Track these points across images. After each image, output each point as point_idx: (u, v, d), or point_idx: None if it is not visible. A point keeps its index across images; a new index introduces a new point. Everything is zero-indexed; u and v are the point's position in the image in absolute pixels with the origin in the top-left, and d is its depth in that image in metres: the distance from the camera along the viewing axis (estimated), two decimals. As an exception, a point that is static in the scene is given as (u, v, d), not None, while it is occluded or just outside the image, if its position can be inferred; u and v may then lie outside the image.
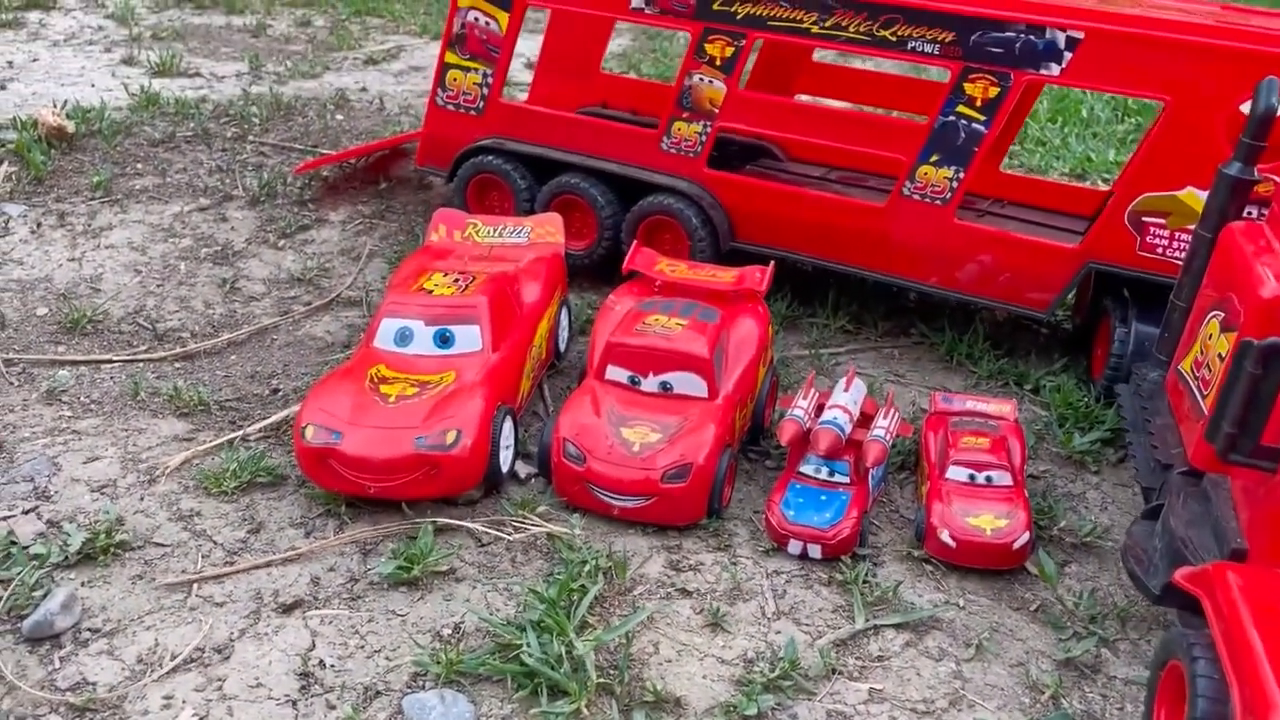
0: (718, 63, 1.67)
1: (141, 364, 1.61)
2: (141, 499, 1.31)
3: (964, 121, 1.55)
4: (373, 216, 2.10)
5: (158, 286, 1.82)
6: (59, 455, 1.38)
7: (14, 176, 2.10)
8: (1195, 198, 1.46)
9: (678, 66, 1.78)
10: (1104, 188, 1.89)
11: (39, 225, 1.96)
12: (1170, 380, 1.34)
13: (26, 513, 1.27)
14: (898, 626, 1.18)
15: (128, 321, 1.72)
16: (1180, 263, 1.43)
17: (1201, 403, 1.21)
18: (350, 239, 2.01)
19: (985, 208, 1.79)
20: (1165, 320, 1.37)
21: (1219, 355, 1.19)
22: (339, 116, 2.59)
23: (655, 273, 1.55)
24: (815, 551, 1.27)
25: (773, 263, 1.55)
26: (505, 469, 1.36)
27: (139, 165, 2.22)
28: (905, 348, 1.77)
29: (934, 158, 1.58)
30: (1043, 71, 1.50)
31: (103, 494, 1.31)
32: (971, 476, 1.32)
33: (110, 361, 1.61)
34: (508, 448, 1.37)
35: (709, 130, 1.72)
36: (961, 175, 1.58)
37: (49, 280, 1.81)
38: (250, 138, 2.39)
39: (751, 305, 1.51)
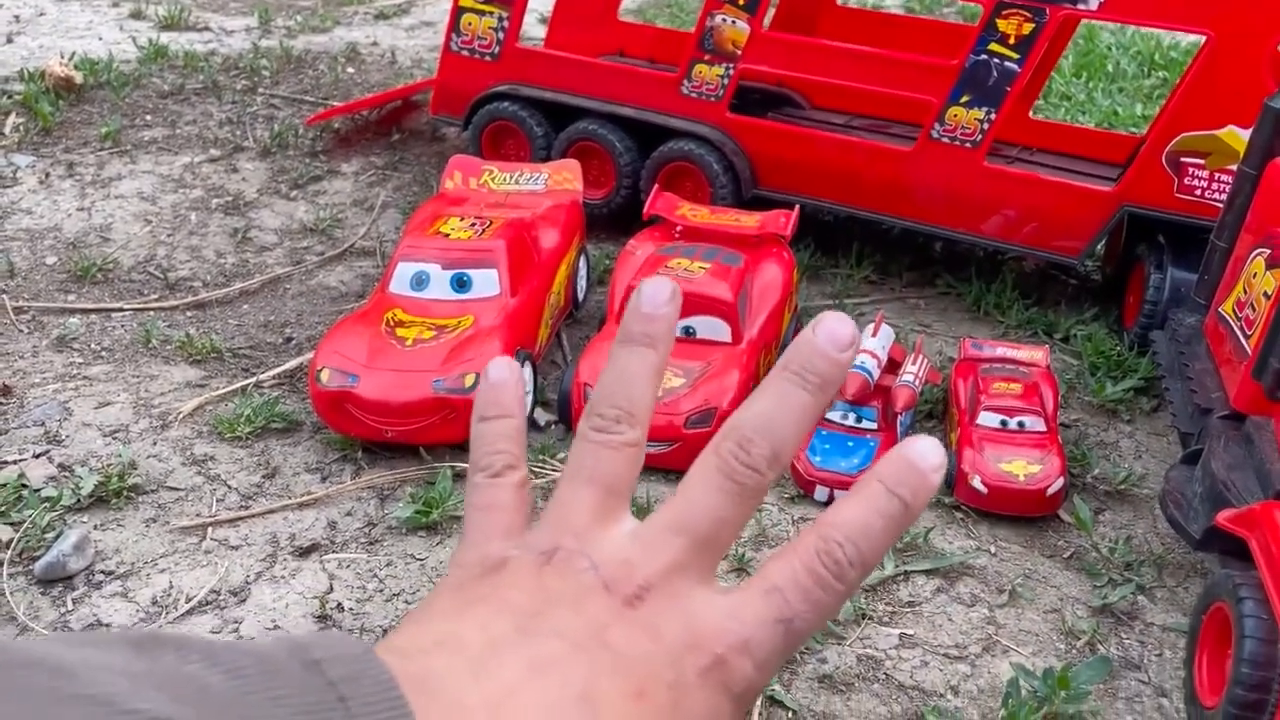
0: (741, 2, 1.62)
1: (153, 312, 1.58)
2: (154, 443, 1.28)
3: (996, 60, 1.50)
4: (385, 168, 2.06)
5: (168, 236, 1.79)
6: (70, 400, 1.35)
7: (22, 128, 2.07)
8: (1236, 136, 1.41)
9: (695, 19, 1.74)
10: (1138, 133, 1.83)
11: (47, 175, 1.93)
12: (1210, 324, 1.30)
13: (37, 456, 1.24)
14: (928, 573, 1.15)
15: (138, 270, 1.69)
16: (1220, 204, 1.38)
17: (1245, 344, 1.17)
18: (363, 190, 1.98)
19: (1015, 155, 1.74)
20: (1205, 262, 1.32)
21: (1264, 294, 1.15)
22: (350, 70, 2.54)
23: (677, 217, 1.51)
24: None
25: (797, 207, 1.51)
26: (528, 415, 1.33)
27: (148, 117, 2.18)
28: (931, 298, 1.73)
29: (964, 98, 1.54)
30: (1080, 6, 1.45)
31: (115, 438, 1.29)
32: (1003, 422, 1.28)
33: (121, 310, 1.58)
34: (527, 393, 1.34)
35: (731, 73, 1.67)
36: (993, 117, 1.53)
37: (58, 230, 1.79)
38: (260, 90, 2.35)
39: (776, 250, 1.47)
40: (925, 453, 0.33)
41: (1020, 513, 1.22)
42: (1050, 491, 1.21)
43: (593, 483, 0.35)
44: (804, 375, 0.33)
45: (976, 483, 1.22)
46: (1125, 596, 1.12)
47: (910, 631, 1.07)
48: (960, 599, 1.12)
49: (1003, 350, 1.41)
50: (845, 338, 0.33)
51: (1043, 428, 1.28)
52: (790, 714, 0.97)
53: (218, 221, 1.84)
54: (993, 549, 1.19)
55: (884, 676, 1.02)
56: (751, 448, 0.33)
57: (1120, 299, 1.65)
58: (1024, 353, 1.40)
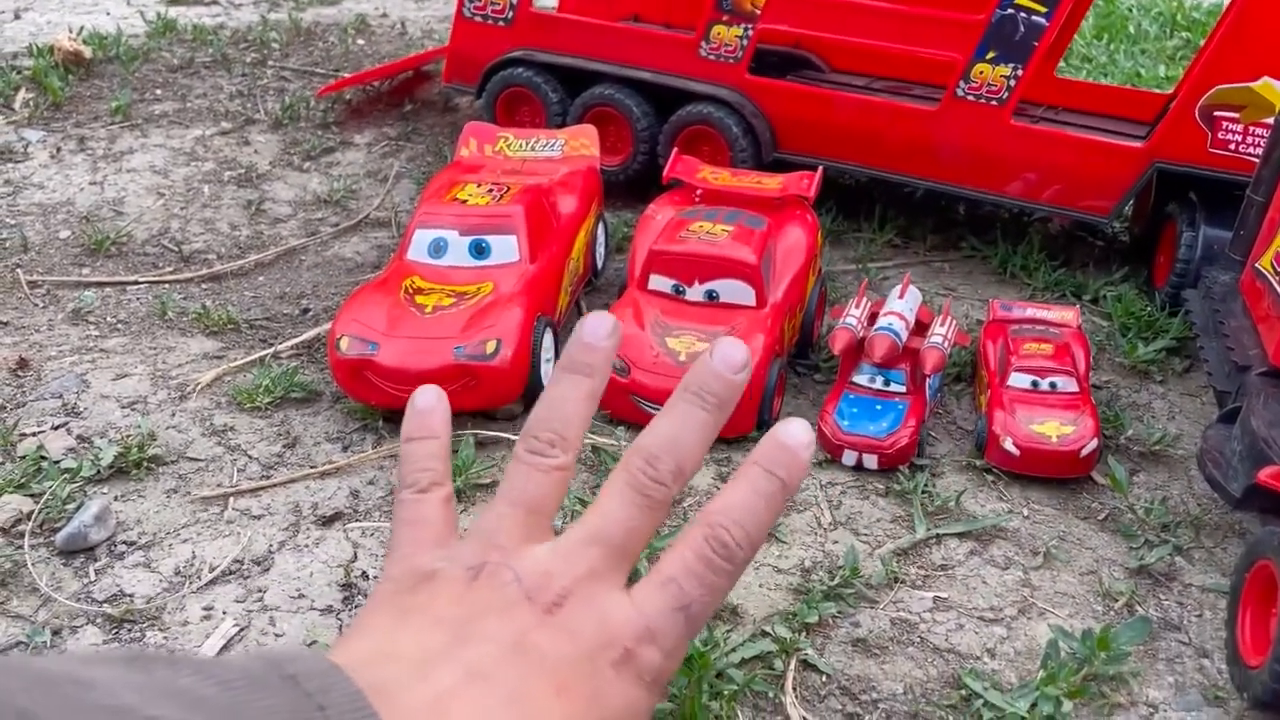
0: (759, -40, 1.59)
1: (168, 285, 1.57)
2: (173, 415, 1.27)
3: (1023, 14, 1.46)
4: (399, 138, 2.03)
5: (181, 209, 1.77)
6: (87, 373, 1.34)
7: (32, 103, 2.05)
8: (1272, 88, 1.37)
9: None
10: (1165, 91, 1.79)
11: (59, 150, 1.92)
12: (1246, 280, 1.26)
13: (56, 428, 1.23)
14: (960, 536, 1.13)
15: (152, 244, 1.68)
16: (1256, 158, 1.35)
17: (1286, 298, 1.14)
18: (376, 161, 1.95)
19: (1040, 114, 1.70)
20: (1241, 217, 1.29)
21: (1306, 247, 1.12)
22: (360, 41, 2.51)
23: (697, 181, 1.48)
24: (871, 462, 1.21)
25: (820, 168, 1.48)
26: (546, 382, 1.31)
27: (158, 91, 2.16)
28: (956, 261, 1.70)
29: (990, 54, 1.50)
30: (1109, -42, 1.41)
31: (133, 410, 1.27)
32: (1034, 383, 1.25)
33: (136, 283, 1.57)
34: (548, 360, 1.32)
35: (750, 34, 1.64)
36: (1020, 73, 1.49)
37: (70, 204, 1.77)
38: (270, 63, 2.32)
39: (799, 212, 1.44)
40: (796, 434, 0.38)
41: (1053, 474, 1.20)
42: (1084, 453, 1.19)
43: (519, 505, 0.38)
44: (702, 396, 0.38)
45: (1008, 445, 1.19)
46: (1162, 557, 1.10)
47: (944, 594, 1.06)
48: (994, 562, 1.10)
49: (1033, 311, 1.38)
50: (738, 361, 0.38)
51: (1075, 388, 1.25)
52: (824, 678, 0.96)
53: (231, 194, 1.82)
54: (1025, 511, 1.17)
55: (918, 640, 1.00)
56: (658, 464, 0.37)
57: (1150, 259, 1.62)
58: (1054, 313, 1.37)
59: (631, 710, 0.36)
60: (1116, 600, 1.06)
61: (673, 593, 0.38)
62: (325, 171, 1.91)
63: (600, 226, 1.60)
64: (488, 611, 0.36)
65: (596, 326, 0.40)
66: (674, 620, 0.38)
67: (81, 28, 2.33)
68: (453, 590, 0.36)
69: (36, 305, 1.50)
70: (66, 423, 1.24)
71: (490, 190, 1.43)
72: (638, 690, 0.36)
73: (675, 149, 1.55)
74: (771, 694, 0.93)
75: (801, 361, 1.42)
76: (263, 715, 0.28)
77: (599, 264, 1.59)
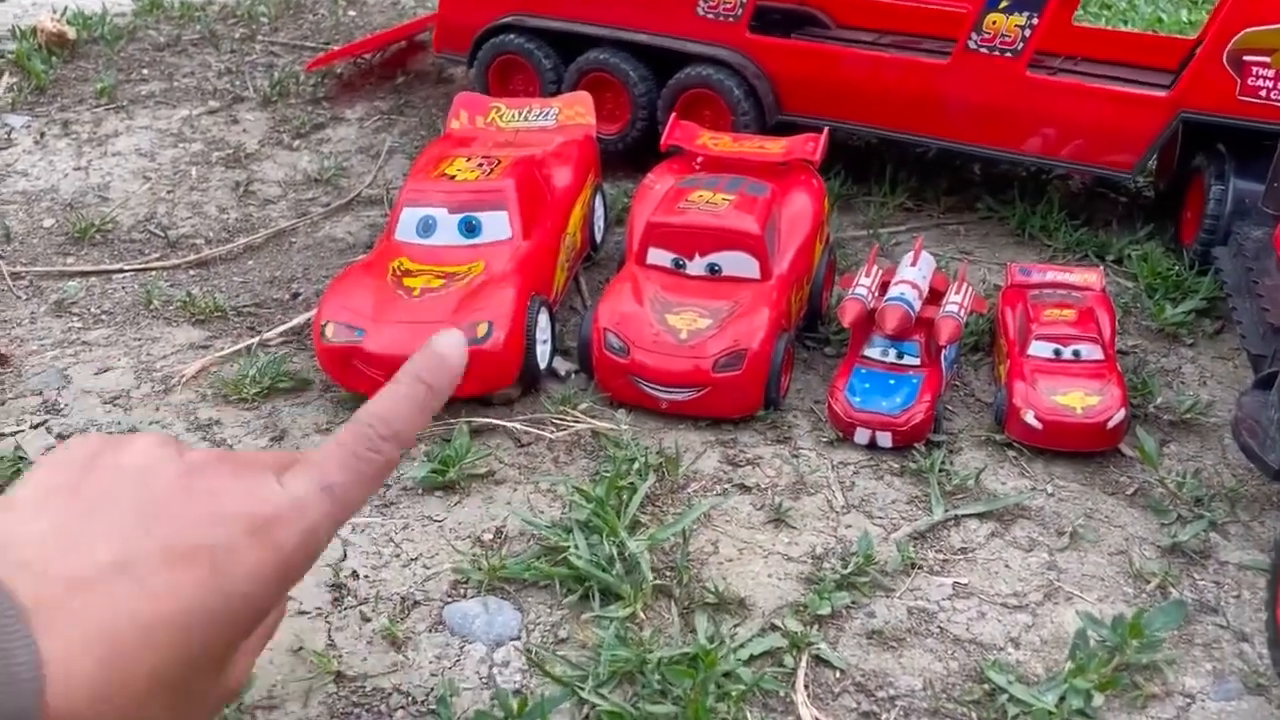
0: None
1: (154, 272, 1.52)
2: (157, 409, 1.22)
3: (1039, -42, 1.37)
4: (391, 112, 1.97)
5: (168, 193, 1.72)
6: (69, 367, 1.29)
7: (15, 87, 2.00)
8: (1308, 30, 1.28)
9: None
10: (1190, 37, 1.70)
11: (42, 135, 1.86)
12: (1282, 235, 1.19)
13: (35, 427, 1.19)
14: (981, 516, 1.07)
15: (138, 230, 1.62)
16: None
17: (1326, 255, 1.06)
18: (368, 136, 1.89)
19: (1058, 65, 1.61)
20: (1274, 168, 1.21)
21: (1348, 199, 1.04)
22: (351, 13, 2.44)
23: (697, 147, 1.41)
24: (885, 440, 1.15)
25: (827, 129, 1.40)
26: (543, 365, 1.26)
27: (144, 70, 2.10)
28: (971, 223, 1.62)
29: (1003, 3, 1.42)
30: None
31: (115, 405, 1.23)
32: (1057, 352, 1.19)
33: (121, 271, 1.52)
34: (544, 342, 1.26)
35: (750, -10, 1.56)
36: (1035, 21, 1.41)
37: (55, 191, 1.72)
38: (259, 38, 2.26)
39: (805, 177, 1.37)
40: (448, 344, 0.46)
41: (1079, 448, 1.14)
42: (1111, 424, 1.12)
43: (309, 461, 0.43)
44: (421, 380, 0.46)
45: (1030, 418, 1.13)
46: (1197, 534, 1.04)
47: (964, 580, 1.00)
48: (1017, 543, 1.04)
49: (1053, 274, 1.31)
50: (457, 355, 0.47)
51: (1100, 356, 1.18)
52: (838, 674, 0.90)
53: (219, 175, 1.77)
54: (1049, 488, 1.11)
55: (938, 630, 0.95)
56: (380, 429, 0.44)
57: (1176, 215, 1.54)
58: (1076, 276, 1.30)
59: (256, 576, 0.39)
60: (1148, 582, 1.00)
61: (316, 474, 0.43)
62: (316, 149, 1.85)
63: (598, 198, 1.53)
64: (130, 481, 0.39)
65: (449, 346, 0.47)
66: (317, 498, 0.42)
67: (65, 8, 2.27)
68: (117, 465, 0.40)
69: (19, 298, 1.45)
70: (46, 420, 1.20)
71: (480, 164, 1.37)
72: (271, 557, 0.39)
73: (673, 114, 1.48)
74: (782, 692, 0.88)
75: (810, 335, 1.36)
76: None
77: (598, 238, 1.53)
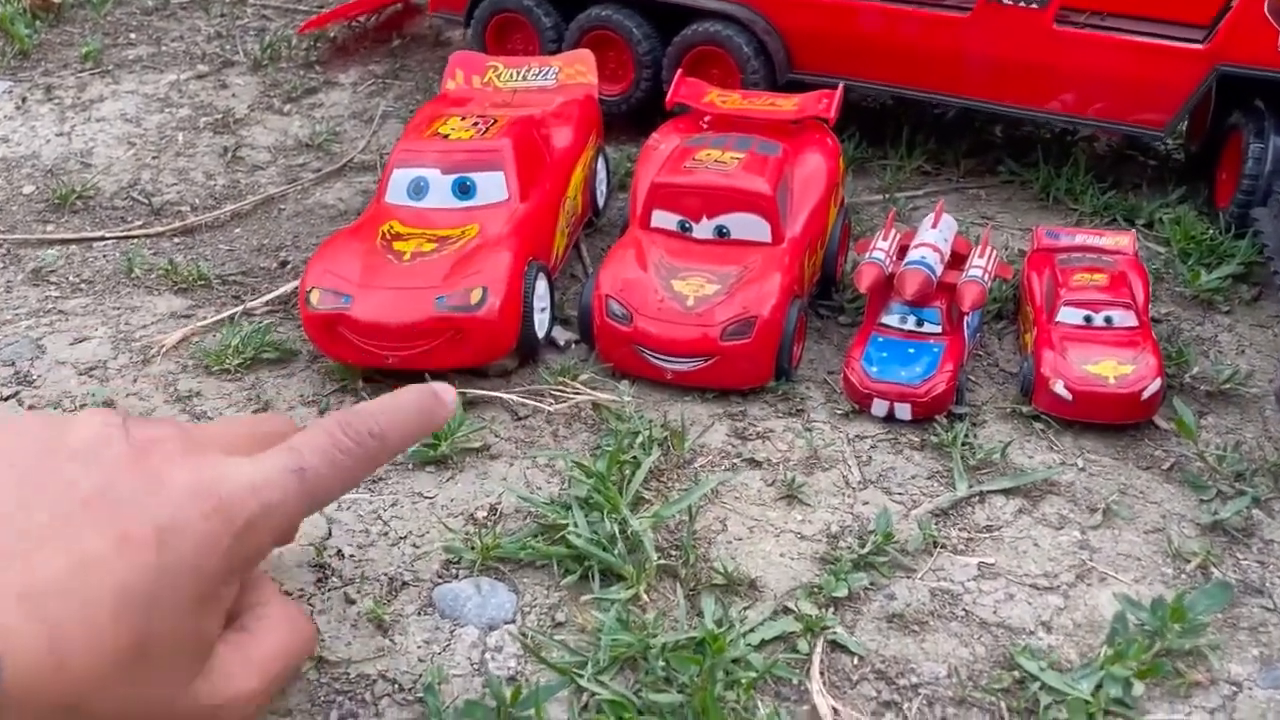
0: None
1: (136, 240, 1.45)
2: (134, 380, 1.16)
3: (1068, -99, 1.29)
4: (386, 76, 1.90)
5: (153, 159, 1.65)
6: (43, 337, 1.23)
7: (-3, 52, 1.93)
8: (1357, -25, 1.20)
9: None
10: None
11: (24, 100, 1.80)
12: (1330, 194, 1.12)
13: (6, 399, 1.13)
14: (1007, 492, 1.01)
15: (121, 196, 1.56)
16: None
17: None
18: (362, 101, 1.82)
19: (1084, 20, 1.53)
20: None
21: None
22: (347, -24, 2.36)
23: (704, 105, 1.33)
24: (904, 412, 1.09)
25: (841, 86, 1.33)
26: (541, 334, 1.19)
27: (131, 35, 2.03)
28: (993, 187, 1.55)
29: (1030, -49, 1.33)
30: None
31: (91, 376, 1.16)
32: (1087, 318, 1.12)
33: (102, 239, 1.45)
34: (543, 310, 1.20)
35: (759, -60, 1.48)
36: (1063, -29, 1.33)
37: (36, 157, 1.65)
38: (250, 1, 2.18)
39: (818, 136, 1.29)
40: (447, 390, 0.57)
41: (1111, 420, 1.07)
42: (1146, 394, 1.05)
43: (291, 450, 0.47)
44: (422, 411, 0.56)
45: (1059, 388, 1.06)
46: (1239, 511, 0.97)
47: (990, 560, 0.93)
48: (1046, 521, 0.98)
49: (1082, 238, 1.23)
50: (445, 411, 0.58)
51: (1134, 322, 1.11)
52: (856, 660, 0.84)
53: (206, 141, 1.70)
54: (1080, 463, 1.04)
55: (963, 613, 0.88)
56: (359, 424, 0.51)
57: (1210, 177, 1.46)
58: (1107, 239, 1.23)
59: (204, 550, 0.40)
60: (1188, 562, 0.93)
61: (290, 457, 0.46)
62: (307, 114, 1.78)
63: (600, 161, 1.46)
64: (76, 462, 0.40)
65: (449, 395, 0.58)
66: (286, 479, 0.45)
67: (51, -28, 2.19)
68: (62, 447, 0.41)
69: (-5, 266, 1.39)
70: (18, 392, 1.14)
71: (475, 123, 1.30)
72: (223, 535, 0.41)
73: (679, 72, 1.41)
74: (796, 680, 0.82)
75: (824, 302, 1.29)
76: None
77: (600, 203, 1.46)
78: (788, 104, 1.31)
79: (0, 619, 0.35)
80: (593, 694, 0.80)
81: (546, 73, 1.48)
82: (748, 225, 1.17)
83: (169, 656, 0.40)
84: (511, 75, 1.48)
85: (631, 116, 1.64)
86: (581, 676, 0.81)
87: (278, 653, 0.51)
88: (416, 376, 1.13)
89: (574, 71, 1.48)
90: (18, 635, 0.35)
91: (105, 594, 0.37)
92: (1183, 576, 0.92)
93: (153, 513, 0.39)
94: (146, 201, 1.54)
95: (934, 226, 1.19)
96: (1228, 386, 1.13)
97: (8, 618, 0.35)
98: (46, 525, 0.38)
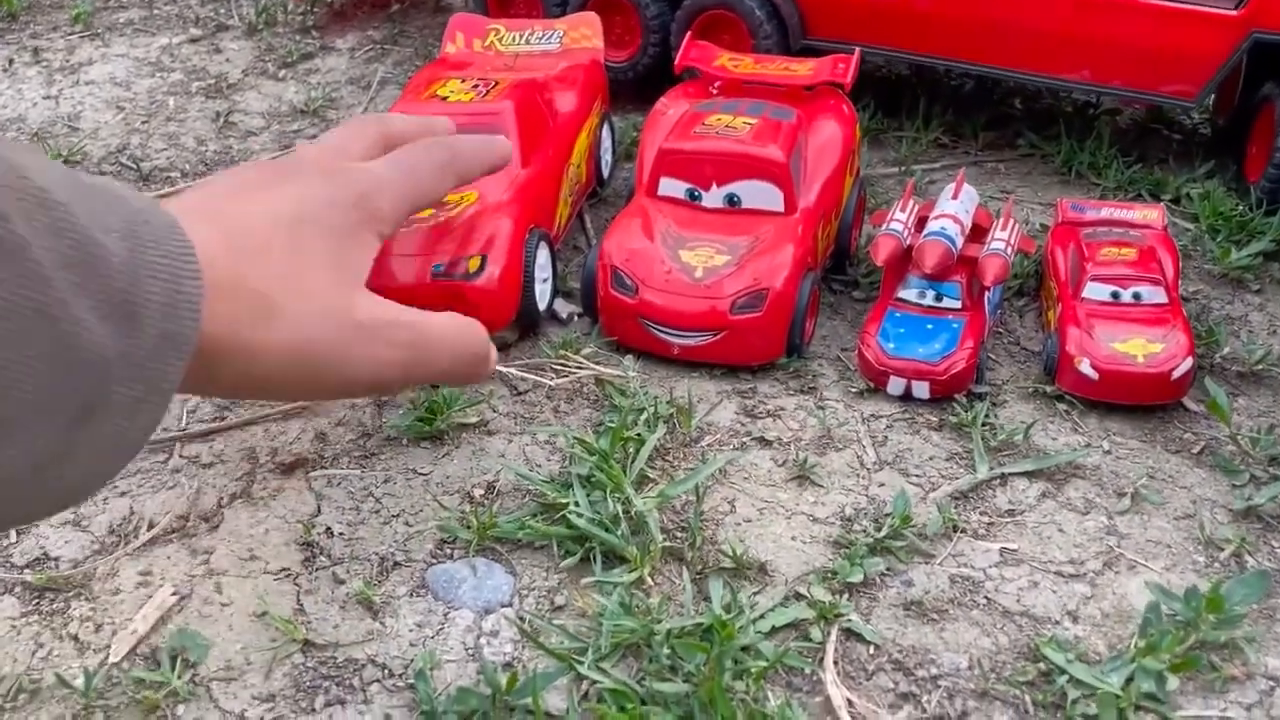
0: None
1: (124, 206, 1.40)
2: (117, 349, 1.11)
3: None
4: (384, 42, 1.84)
5: (143, 124, 1.60)
6: (24, 304, 1.18)
7: (-15, 14, 1.87)
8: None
9: None
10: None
11: (11, 63, 1.74)
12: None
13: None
14: (1030, 475, 0.96)
15: (109, 161, 1.51)
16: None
17: None
18: (359, 67, 1.76)
19: (1109, -13, 1.47)
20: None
21: None
22: (346, -59, 2.29)
23: (715, 69, 1.28)
24: (922, 390, 1.04)
25: (858, 50, 1.27)
26: (543, 305, 1.14)
27: (123, -2, 1.97)
28: (1012, 161, 1.49)
29: (1058, -89, 1.28)
30: None
31: (72, 345, 1.12)
32: (1115, 294, 1.06)
33: (89, 204, 1.40)
34: (545, 280, 1.15)
35: (773, -100, 1.42)
36: (1092, -68, 1.27)
37: (22, 120, 1.60)
38: (247, -35, 2.11)
39: (834, 103, 1.24)
40: (503, 141, 0.91)
41: (1139, 400, 1.02)
42: (1177, 374, 1.00)
43: (402, 167, 0.68)
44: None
45: (1085, 367, 1.01)
46: (1274, 497, 0.92)
47: (1012, 546, 0.89)
48: (1071, 505, 0.93)
49: (1109, 211, 1.18)
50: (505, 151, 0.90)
51: (1163, 299, 1.06)
52: (871, 649, 0.80)
53: (198, 106, 1.64)
54: (1106, 445, 1.00)
55: (984, 601, 0.84)
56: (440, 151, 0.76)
57: (1239, 151, 1.40)
58: (1135, 213, 1.17)
59: (340, 249, 0.58)
60: (1221, 550, 0.88)
61: (399, 157, 0.68)
62: (303, 80, 1.72)
63: (606, 129, 1.41)
64: (287, 168, 0.61)
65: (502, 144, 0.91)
66: (396, 173, 0.65)
67: (42, -67, 2.13)
68: (272, 160, 0.72)
69: (-24, 231, 1.34)
70: (-5, 361, 1.09)
71: (475, 86, 1.24)
72: (365, 223, 0.61)
73: (688, 36, 1.35)
74: (808, 670, 0.78)
75: (837, 276, 1.24)
76: (103, 207, 0.41)
77: (604, 171, 1.41)
78: (802, 69, 1.26)
79: (185, 219, 0.45)
80: (593, 682, 0.76)
81: (550, 36, 1.42)
82: (760, 194, 1.11)
83: (324, 269, 0.55)
84: (514, 39, 1.43)
85: (638, 84, 1.58)
86: (582, 664, 0.76)
87: (437, 323, 0.71)
88: (411, 348, 1.08)
89: (579, 35, 1.42)
90: (199, 231, 0.45)
91: (265, 213, 0.53)
92: (1215, 565, 0.87)
93: (332, 201, 0.58)
94: (135, 167, 1.49)
95: (954, 197, 1.14)
96: (1260, 367, 1.08)
97: (190, 218, 0.46)
98: (247, 180, 0.58)
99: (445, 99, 1.22)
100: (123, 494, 0.94)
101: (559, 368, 1.09)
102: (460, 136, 0.80)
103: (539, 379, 1.07)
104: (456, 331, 0.73)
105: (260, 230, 0.52)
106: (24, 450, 0.35)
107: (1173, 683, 0.75)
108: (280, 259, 0.52)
